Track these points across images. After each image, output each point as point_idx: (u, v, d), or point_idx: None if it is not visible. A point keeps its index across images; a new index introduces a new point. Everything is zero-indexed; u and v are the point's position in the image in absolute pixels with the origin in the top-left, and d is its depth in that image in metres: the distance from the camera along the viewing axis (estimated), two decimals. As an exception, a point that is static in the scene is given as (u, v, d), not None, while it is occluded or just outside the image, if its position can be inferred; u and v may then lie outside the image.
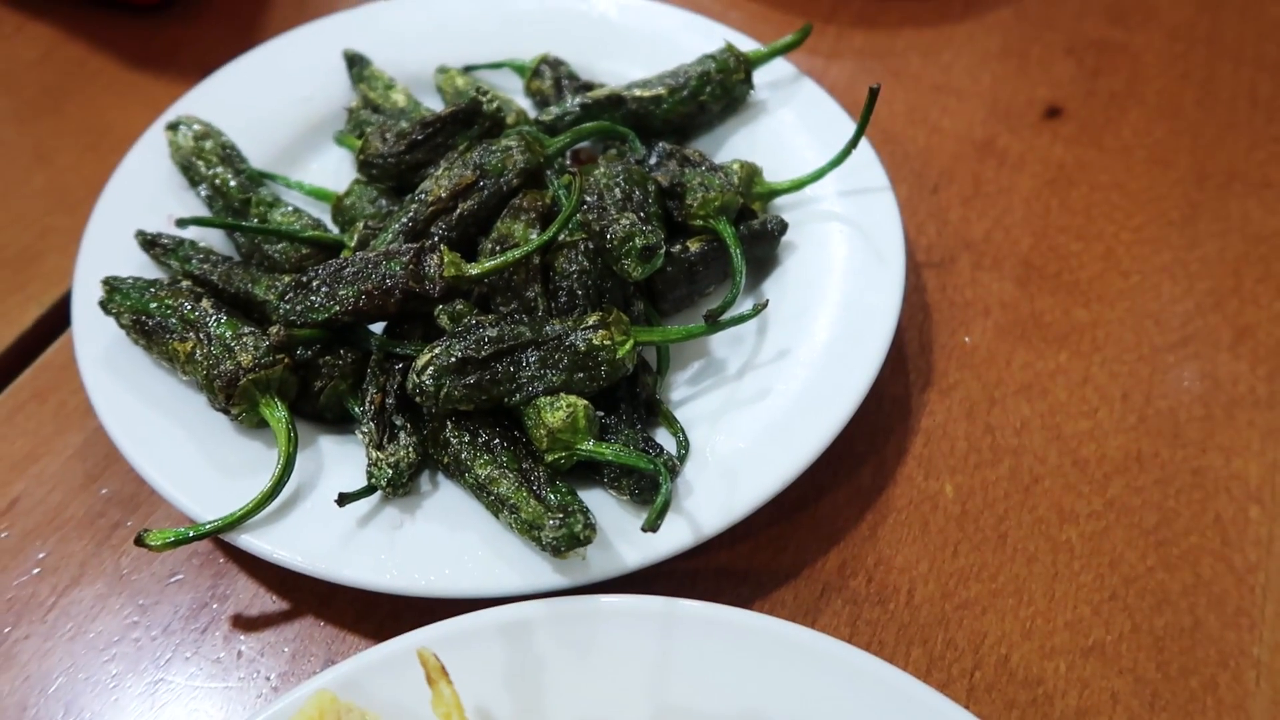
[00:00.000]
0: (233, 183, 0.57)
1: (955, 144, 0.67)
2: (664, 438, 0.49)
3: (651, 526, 0.42)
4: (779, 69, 0.64)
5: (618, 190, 0.52)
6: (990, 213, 0.63)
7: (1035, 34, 0.75)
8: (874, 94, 0.54)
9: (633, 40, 0.67)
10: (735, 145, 0.62)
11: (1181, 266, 0.60)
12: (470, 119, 0.56)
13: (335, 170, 0.63)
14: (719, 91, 0.61)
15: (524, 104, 0.65)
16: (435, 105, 0.64)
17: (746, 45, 0.63)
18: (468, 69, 0.66)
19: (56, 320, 0.60)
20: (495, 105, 0.56)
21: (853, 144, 0.55)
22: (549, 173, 0.56)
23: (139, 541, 0.44)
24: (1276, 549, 0.49)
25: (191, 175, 0.59)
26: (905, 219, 0.62)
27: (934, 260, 0.61)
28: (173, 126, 0.59)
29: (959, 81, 0.71)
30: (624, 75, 0.64)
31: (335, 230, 0.57)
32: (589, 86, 0.63)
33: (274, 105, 0.64)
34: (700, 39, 0.65)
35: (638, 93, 0.60)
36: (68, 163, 0.67)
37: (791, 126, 0.62)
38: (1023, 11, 0.76)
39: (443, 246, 0.49)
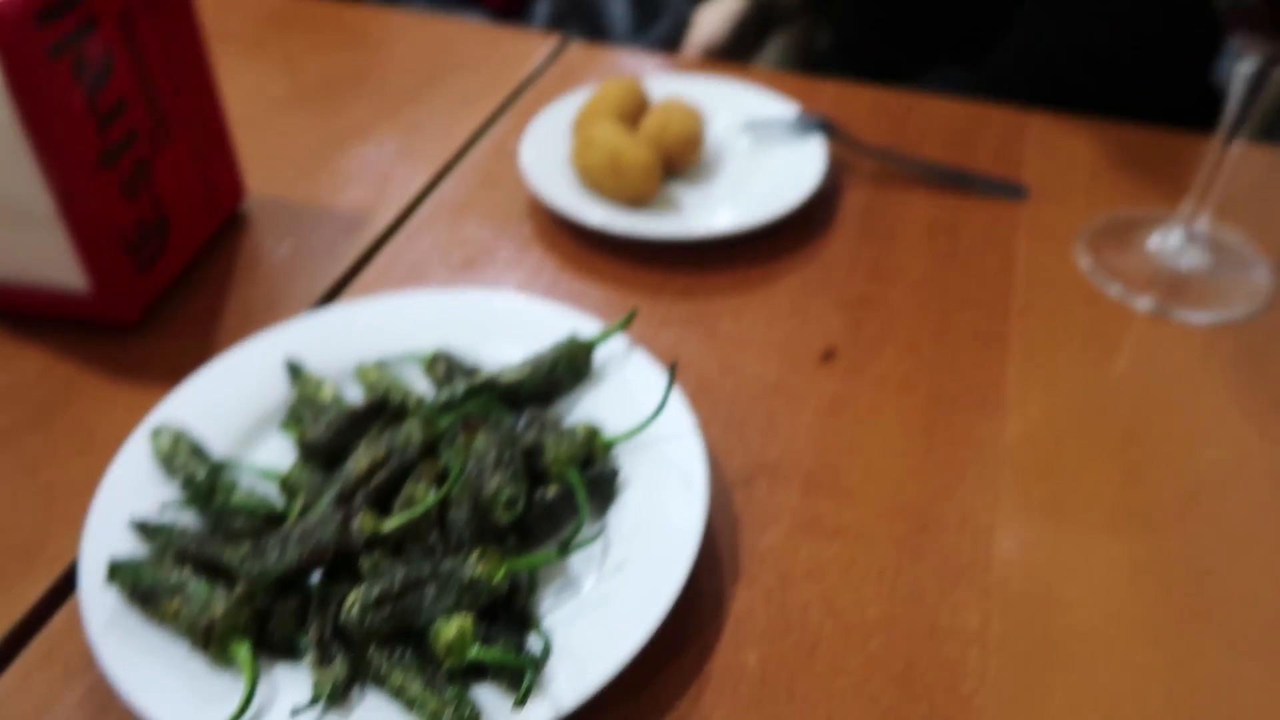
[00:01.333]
0: (201, 474, 0.75)
1: (755, 386, 0.89)
2: (535, 640, 0.66)
3: (520, 703, 0.58)
4: (618, 343, 0.85)
5: (492, 454, 0.71)
6: (780, 440, 0.84)
7: (815, 293, 0.98)
8: (673, 370, 0.75)
9: (508, 328, 0.88)
10: (584, 406, 0.82)
11: (920, 470, 0.81)
12: (380, 410, 0.76)
13: (279, 451, 0.81)
14: (568, 369, 0.82)
15: (425, 385, 0.85)
16: (356, 393, 0.84)
17: (593, 327, 0.85)
18: (379, 364, 0.86)
19: (58, 596, 0.75)
20: (399, 399, 0.76)
21: (660, 408, 0.75)
22: (442, 444, 0.76)
23: (142, 759, 0.59)
24: (989, 679, 0.67)
25: (169, 469, 0.76)
26: (718, 450, 0.83)
27: (740, 481, 0.81)
28: (155, 433, 0.77)
29: (758, 336, 0.94)
30: (503, 354, 0.85)
31: (283, 499, 0.75)
32: (473, 372, 0.83)
33: (230, 403, 0.83)
34: (561, 323, 0.87)
35: (507, 377, 0.80)
36: (61, 466, 0.84)
37: (627, 388, 0.82)
38: (806, 277, 1.00)
39: (364, 510, 0.68)
